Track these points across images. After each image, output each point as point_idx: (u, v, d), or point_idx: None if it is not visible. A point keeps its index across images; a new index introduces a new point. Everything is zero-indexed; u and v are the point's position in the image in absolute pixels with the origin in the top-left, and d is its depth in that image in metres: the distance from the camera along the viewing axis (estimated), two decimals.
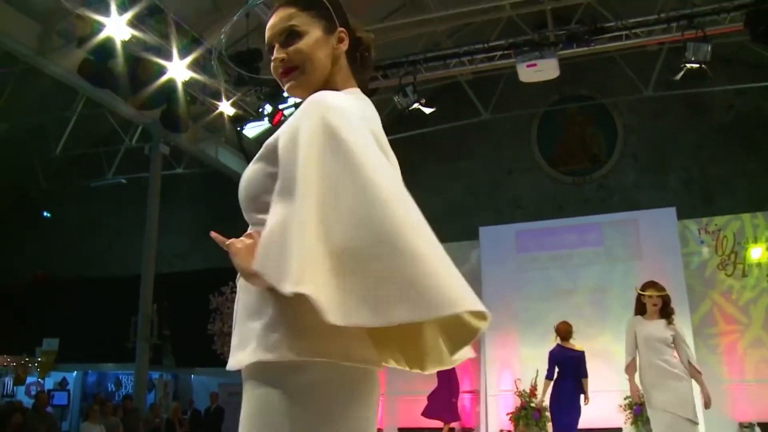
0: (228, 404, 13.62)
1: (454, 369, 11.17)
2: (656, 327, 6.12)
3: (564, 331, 8.40)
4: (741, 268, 12.11)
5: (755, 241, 12.16)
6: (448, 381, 11.01)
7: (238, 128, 11.64)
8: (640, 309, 6.28)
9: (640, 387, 6.25)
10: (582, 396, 8.11)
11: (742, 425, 11.41)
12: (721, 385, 11.51)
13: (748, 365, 11.71)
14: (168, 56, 8.96)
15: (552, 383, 8.31)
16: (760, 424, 11.27)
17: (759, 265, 12.06)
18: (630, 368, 6.26)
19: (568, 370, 8.15)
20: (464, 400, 12.84)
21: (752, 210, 12.60)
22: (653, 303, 6.17)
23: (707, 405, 6.08)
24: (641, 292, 6.29)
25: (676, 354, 6.09)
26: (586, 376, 8.16)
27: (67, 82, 10.10)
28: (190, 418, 13.24)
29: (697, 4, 9.94)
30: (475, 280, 13.01)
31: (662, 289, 6.23)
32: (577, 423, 8.10)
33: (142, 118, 11.50)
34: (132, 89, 9.03)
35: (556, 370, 8.30)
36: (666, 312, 6.17)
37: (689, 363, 5.98)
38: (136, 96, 9.35)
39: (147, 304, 11.42)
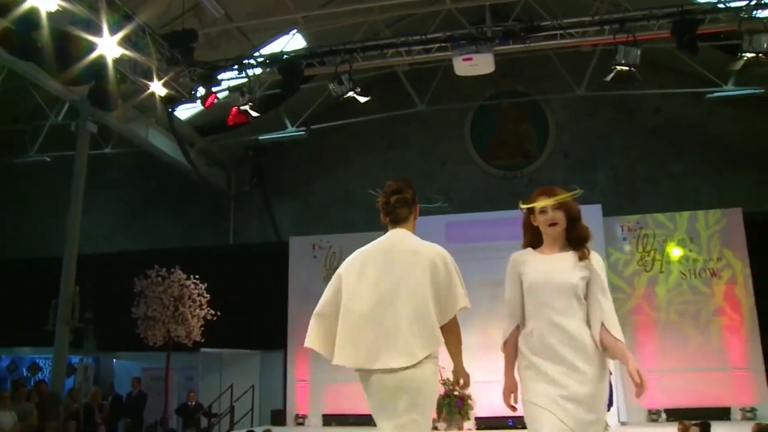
0: (151, 389, 13.36)
1: None
2: (555, 265, 3.33)
3: None
4: (660, 265, 12.59)
5: (674, 239, 12.66)
6: None
7: (170, 109, 11.39)
8: (531, 237, 3.47)
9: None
10: None
11: (650, 412, 11.93)
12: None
13: (661, 355, 12.23)
14: (98, 31, 8.67)
15: None
16: (666, 411, 11.80)
17: (677, 262, 12.56)
18: (509, 345, 3.41)
19: None
20: None
21: (674, 210, 13.10)
22: (549, 221, 3.35)
23: (638, 389, 3.11)
24: (527, 206, 3.45)
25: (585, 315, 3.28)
26: None
27: None
28: (110, 403, 12.94)
29: (629, 9, 10.22)
30: None
31: (561, 192, 3.40)
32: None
33: (69, 94, 11.09)
34: (58, 64, 8.70)
35: None
36: (576, 236, 3.37)
37: (602, 327, 3.19)
38: (63, 71, 9.02)
39: (69, 286, 11.07)
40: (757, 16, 9.85)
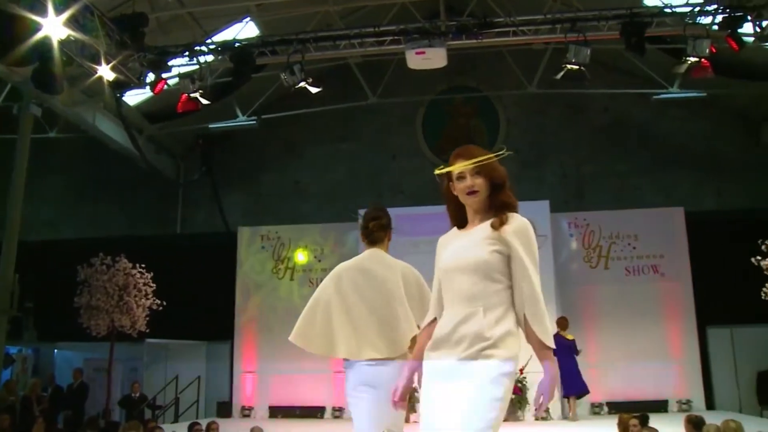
0: (93, 380, 13.11)
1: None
2: (466, 240, 2.76)
3: (562, 324, 11.34)
4: (604, 261, 12.86)
5: (618, 236, 12.94)
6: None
7: (118, 94, 11.15)
8: (453, 210, 2.96)
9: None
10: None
11: (593, 405, 12.22)
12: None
13: (604, 350, 12.53)
14: (43, 11, 8.42)
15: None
16: (608, 404, 12.11)
17: (620, 259, 12.85)
18: (418, 340, 3.01)
19: (562, 354, 10.57)
20: (338, 380, 12.96)
21: (618, 207, 13.39)
22: (467, 188, 2.77)
23: (538, 408, 2.59)
24: (442, 171, 2.97)
25: (506, 300, 2.64)
26: (577, 354, 11.25)
27: None
28: (50, 395, 12.63)
29: (581, 9, 10.40)
30: None
31: (482, 152, 2.80)
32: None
33: (11, 75, 10.74)
34: (0, 44, 8.42)
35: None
36: (500, 205, 2.74)
37: (525, 319, 2.59)
38: (5, 51, 8.73)
39: (8, 273, 10.74)
40: (700, 22, 10.16)
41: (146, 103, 13.45)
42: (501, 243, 2.63)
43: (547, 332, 2.59)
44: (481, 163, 2.75)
